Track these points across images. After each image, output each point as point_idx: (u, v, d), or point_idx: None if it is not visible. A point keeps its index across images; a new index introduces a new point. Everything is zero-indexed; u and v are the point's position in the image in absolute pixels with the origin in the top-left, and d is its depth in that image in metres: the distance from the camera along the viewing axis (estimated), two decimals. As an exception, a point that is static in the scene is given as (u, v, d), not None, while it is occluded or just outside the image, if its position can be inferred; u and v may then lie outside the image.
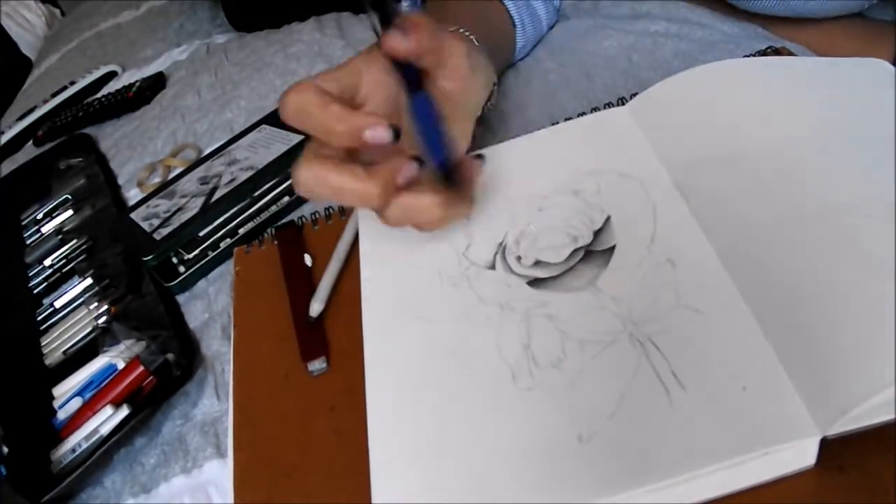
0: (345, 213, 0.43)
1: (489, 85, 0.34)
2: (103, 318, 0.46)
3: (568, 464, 0.25)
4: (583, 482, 0.24)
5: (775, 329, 0.26)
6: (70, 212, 0.60)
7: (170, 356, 0.40)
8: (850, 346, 0.24)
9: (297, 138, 0.50)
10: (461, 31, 0.42)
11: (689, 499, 0.24)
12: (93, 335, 0.46)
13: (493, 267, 0.33)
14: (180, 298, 0.46)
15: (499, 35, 0.50)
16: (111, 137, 0.72)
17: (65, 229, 0.58)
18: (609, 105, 0.42)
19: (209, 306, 0.44)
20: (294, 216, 0.49)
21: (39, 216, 0.62)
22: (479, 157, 0.33)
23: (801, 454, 0.24)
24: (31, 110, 0.85)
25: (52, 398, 0.41)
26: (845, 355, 0.24)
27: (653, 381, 0.26)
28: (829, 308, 0.25)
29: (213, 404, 0.38)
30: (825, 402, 0.23)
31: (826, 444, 0.24)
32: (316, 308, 0.37)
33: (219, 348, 0.41)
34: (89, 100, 0.81)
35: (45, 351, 0.46)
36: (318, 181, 0.31)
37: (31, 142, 0.79)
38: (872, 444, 0.24)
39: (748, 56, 0.44)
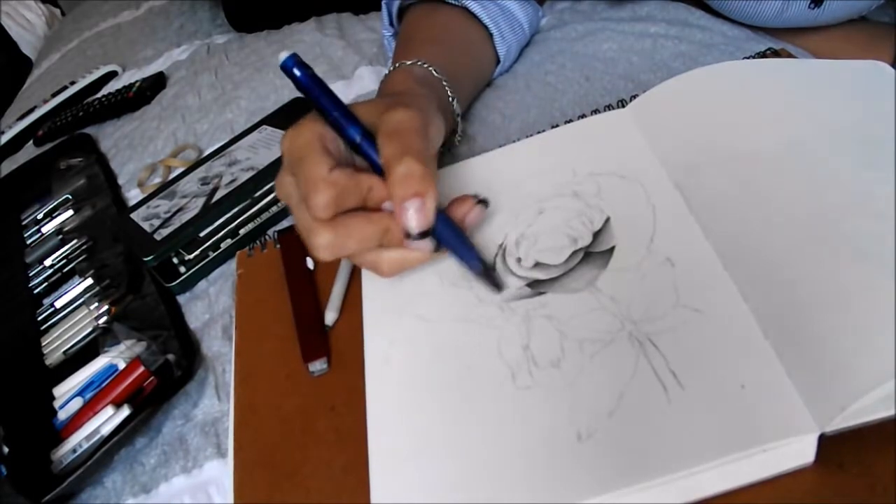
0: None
1: (441, 131, 0.34)
2: (104, 319, 0.46)
3: (567, 462, 0.25)
4: (582, 480, 0.25)
5: (774, 327, 0.26)
6: (70, 212, 0.60)
7: (170, 356, 0.40)
8: (848, 343, 0.24)
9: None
10: (419, 63, 0.42)
11: (689, 496, 0.24)
12: (93, 335, 0.46)
13: (493, 268, 0.34)
14: (181, 299, 0.46)
15: (473, 51, 0.50)
16: (111, 137, 0.72)
17: (65, 229, 0.58)
18: (609, 107, 0.42)
19: (210, 307, 0.44)
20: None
21: (40, 216, 0.62)
22: (484, 202, 0.34)
23: (800, 451, 0.24)
24: (31, 110, 0.85)
25: (53, 398, 0.41)
26: (844, 352, 0.24)
27: (651, 380, 0.26)
28: (828, 306, 0.25)
29: (213, 404, 0.38)
30: (824, 398, 0.23)
31: (825, 441, 0.24)
32: (331, 317, 0.37)
33: (219, 349, 0.41)
34: (89, 100, 0.82)
35: (45, 351, 0.46)
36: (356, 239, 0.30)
37: (31, 142, 0.79)
38: (872, 440, 0.24)
39: (748, 58, 0.44)
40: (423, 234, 0.30)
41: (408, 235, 0.30)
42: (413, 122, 0.31)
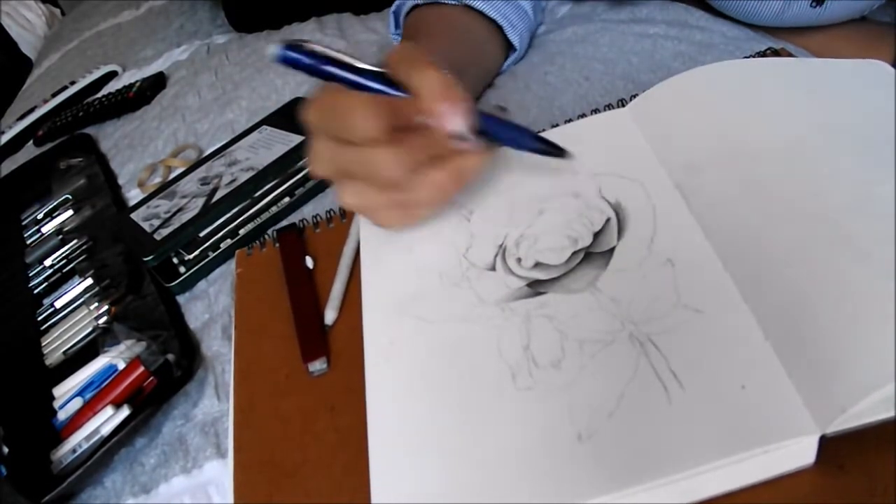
0: (346, 215, 0.43)
1: None
2: (104, 319, 0.46)
3: (567, 463, 0.25)
4: (582, 481, 0.24)
5: (775, 328, 0.26)
6: (70, 212, 0.60)
7: (170, 357, 0.40)
8: (849, 344, 0.24)
9: (298, 139, 0.50)
10: None
11: (689, 497, 0.24)
12: (93, 335, 0.46)
13: (493, 268, 0.34)
14: (181, 299, 0.46)
15: (475, 45, 0.51)
16: (111, 137, 0.72)
17: (65, 229, 0.58)
18: (609, 107, 0.42)
19: (209, 307, 0.44)
20: (295, 217, 0.49)
21: (40, 216, 0.62)
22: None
23: (801, 452, 0.24)
24: (31, 110, 0.85)
25: (53, 398, 0.41)
26: (845, 353, 0.24)
27: (652, 380, 0.26)
28: (829, 307, 0.25)
29: (213, 404, 0.38)
30: (824, 400, 0.23)
31: (826, 443, 0.24)
32: (330, 316, 0.37)
33: (219, 349, 0.41)
34: (89, 100, 0.82)
35: (45, 351, 0.46)
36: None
37: (31, 142, 0.79)
38: (872, 442, 0.24)
39: (747, 58, 0.44)
40: (473, 132, 0.31)
41: (459, 138, 0.31)
42: (414, 49, 0.32)
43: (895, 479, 0.23)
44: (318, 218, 0.44)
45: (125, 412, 0.37)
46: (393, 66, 0.32)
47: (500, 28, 0.52)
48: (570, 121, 0.42)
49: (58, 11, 1.46)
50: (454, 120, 0.31)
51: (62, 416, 0.39)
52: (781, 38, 0.50)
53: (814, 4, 0.48)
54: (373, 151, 0.30)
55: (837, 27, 0.51)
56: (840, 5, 0.48)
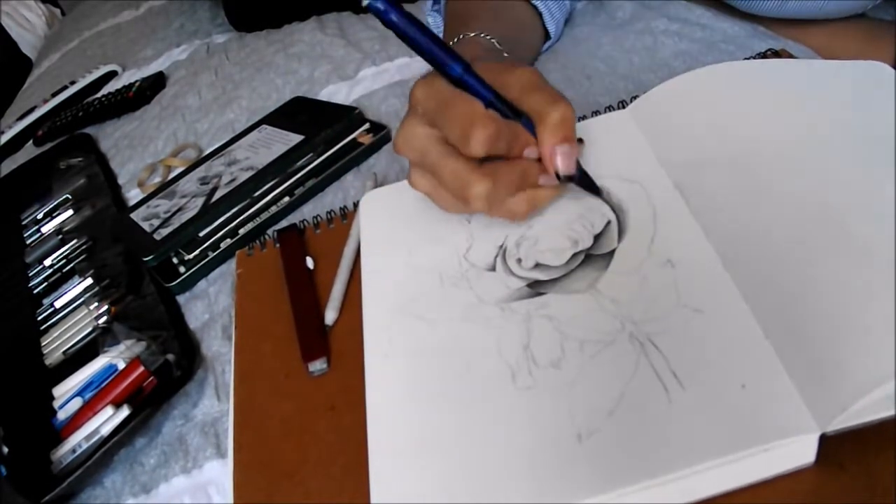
0: (346, 216, 0.43)
1: None
2: (103, 319, 0.46)
3: (568, 462, 0.25)
4: (583, 480, 0.24)
5: (775, 327, 0.26)
6: (70, 212, 0.60)
7: (170, 357, 0.40)
8: (849, 343, 0.24)
9: (297, 138, 0.50)
10: (483, 35, 0.43)
11: (689, 496, 0.24)
12: (93, 335, 0.46)
13: (493, 269, 0.34)
14: (180, 299, 0.46)
15: (522, 28, 0.51)
16: (111, 137, 0.72)
17: (65, 229, 0.58)
18: (609, 108, 0.42)
19: (209, 307, 0.44)
20: (294, 217, 0.49)
21: (39, 216, 0.62)
22: (580, 140, 0.35)
23: (801, 451, 0.24)
24: (31, 110, 0.85)
25: (53, 398, 0.41)
26: (844, 352, 0.24)
27: (652, 380, 0.26)
28: (828, 306, 0.25)
29: (213, 405, 0.38)
30: (824, 398, 0.23)
31: (825, 442, 0.24)
32: (331, 316, 0.37)
33: (219, 349, 0.41)
34: (89, 99, 0.82)
35: (45, 351, 0.46)
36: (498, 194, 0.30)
37: (31, 142, 0.79)
38: (873, 441, 0.24)
39: (748, 58, 0.44)
40: (568, 178, 0.32)
41: (558, 178, 0.31)
42: (541, 76, 0.32)
43: (895, 478, 0.23)
44: (319, 219, 0.44)
45: (125, 412, 0.37)
46: (517, 88, 0.31)
47: (539, 15, 0.52)
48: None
49: (58, 11, 1.46)
50: (568, 164, 0.31)
51: (62, 416, 0.39)
52: (784, 33, 0.50)
53: None
54: (469, 176, 0.30)
55: (839, 23, 0.51)
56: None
